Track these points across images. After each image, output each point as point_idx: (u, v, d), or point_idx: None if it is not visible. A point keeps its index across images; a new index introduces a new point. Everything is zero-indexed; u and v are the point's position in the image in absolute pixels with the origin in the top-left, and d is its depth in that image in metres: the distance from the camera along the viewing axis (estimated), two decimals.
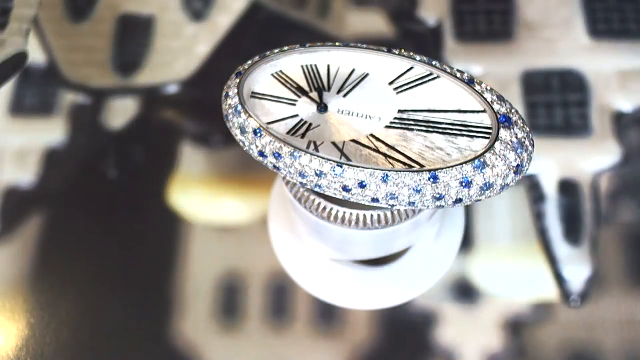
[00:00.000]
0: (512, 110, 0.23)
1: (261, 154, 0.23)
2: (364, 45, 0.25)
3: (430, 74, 0.24)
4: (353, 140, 0.23)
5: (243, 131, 0.23)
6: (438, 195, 0.22)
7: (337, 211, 0.24)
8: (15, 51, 0.38)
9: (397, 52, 0.25)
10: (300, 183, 0.23)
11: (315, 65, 0.25)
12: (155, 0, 0.39)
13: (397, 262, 0.29)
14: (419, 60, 0.24)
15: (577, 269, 0.30)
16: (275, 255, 0.31)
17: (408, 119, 0.23)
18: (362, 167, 0.22)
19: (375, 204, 0.22)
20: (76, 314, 0.30)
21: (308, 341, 0.30)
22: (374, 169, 0.22)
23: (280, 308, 0.30)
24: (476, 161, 0.22)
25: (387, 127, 0.23)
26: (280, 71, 0.25)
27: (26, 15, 0.39)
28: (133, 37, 0.38)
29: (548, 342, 0.29)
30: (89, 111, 0.36)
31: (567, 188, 0.32)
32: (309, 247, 0.29)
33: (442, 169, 0.22)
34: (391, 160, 0.22)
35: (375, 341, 0.29)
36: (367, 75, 0.25)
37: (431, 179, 0.22)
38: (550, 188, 0.32)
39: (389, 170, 0.22)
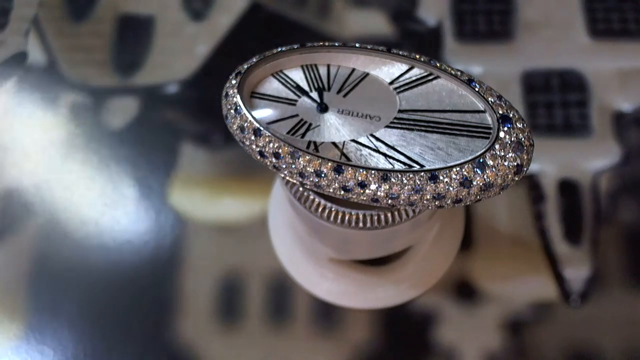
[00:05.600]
0: (512, 110, 0.23)
1: (261, 154, 0.23)
2: (364, 45, 0.25)
3: (430, 74, 0.24)
4: (353, 140, 0.23)
5: (243, 131, 0.23)
6: (438, 195, 0.22)
7: (337, 211, 0.24)
8: (15, 51, 0.38)
9: (397, 52, 0.25)
10: (300, 183, 0.23)
11: (315, 65, 0.25)
12: (155, 0, 0.39)
13: (397, 262, 0.29)
14: (419, 60, 0.24)
15: (577, 269, 0.30)
16: (275, 255, 0.31)
17: (408, 119, 0.23)
18: (362, 167, 0.22)
19: (375, 204, 0.22)
20: (76, 314, 0.30)
21: (308, 341, 0.30)
22: (374, 169, 0.22)
23: (280, 308, 0.30)
24: (476, 161, 0.22)
25: (387, 127, 0.23)
26: (280, 71, 0.25)
27: (26, 15, 0.39)
28: (133, 37, 0.38)
29: (548, 342, 0.29)
30: (89, 111, 0.36)
31: (567, 188, 0.32)
32: (309, 247, 0.29)
33: (442, 169, 0.22)
34: (391, 160, 0.22)
35: (375, 341, 0.29)
36: (367, 75, 0.25)
37: (431, 179, 0.22)
38: (550, 188, 0.32)
39: (389, 171, 0.22)
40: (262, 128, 0.23)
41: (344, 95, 0.24)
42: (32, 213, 0.33)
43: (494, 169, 0.22)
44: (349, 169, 0.22)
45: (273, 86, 0.25)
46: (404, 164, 0.22)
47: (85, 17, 0.39)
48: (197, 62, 0.37)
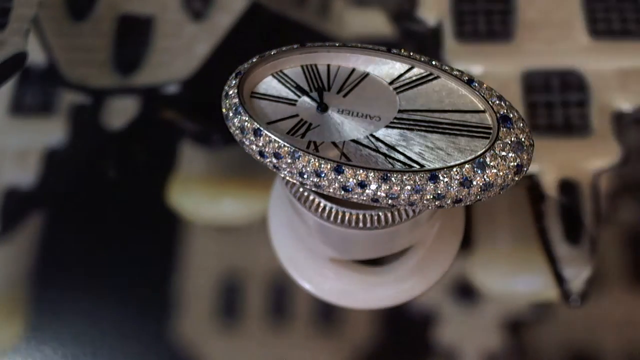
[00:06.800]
0: (512, 110, 0.23)
1: (261, 154, 0.23)
2: (364, 45, 0.25)
3: (430, 74, 0.24)
4: (353, 140, 0.23)
5: (243, 131, 0.23)
6: (438, 195, 0.22)
7: (337, 211, 0.24)
8: (15, 51, 0.38)
9: (397, 52, 0.25)
10: (300, 183, 0.23)
11: (315, 65, 0.25)
12: (155, 0, 0.39)
13: (397, 262, 0.29)
14: (419, 60, 0.24)
15: (577, 269, 0.30)
16: (275, 255, 0.31)
17: (408, 119, 0.23)
18: (362, 167, 0.22)
19: (375, 204, 0.22)
20: (76, 314, 0.30)
21: (308, 341, 0.30)
22: (374, 169, 0.22)
23: (280, 308, 0.30)
24: (476, 161, 0.22)
25: (387, 127, 0.23)
26: (280, 71, 0.25)
27: (26, 15, 0.39)
28: (133, 37, 0.38)
29: (548, 342, 0.29)
30: (89, 111, 0.36)
31: (567, 188, 0.32)
32: (309, 247, 0.29)
33: (442, 169, 0.22)
34: (391, 160, 0.22)
35: (375, 341, 0.29)
36: (367, 75, 0.25)
37: (431, 179, 0.22)
38: (550, 188, 0.32)
39: (389, 171, 0.22)
40: (262, 128, 0.23)
41: (344, 95, 0.24)
42: (32, 213, 0.33)
43: (494, 169, 0.22)
44: (349, 169, 0.22)
45: (273, 86, 0.25)
46: (404, 164, 0.22)
47: (85, 17, 0.39)
48: (197, 62, 0.37)
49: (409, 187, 0.22)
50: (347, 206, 0.24)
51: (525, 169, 0.22)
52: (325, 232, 0.26)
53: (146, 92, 0.36)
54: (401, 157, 0.22)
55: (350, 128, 0.23)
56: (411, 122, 0.23)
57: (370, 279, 0.29)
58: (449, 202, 0.22)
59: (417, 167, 0.22)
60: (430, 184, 0.22)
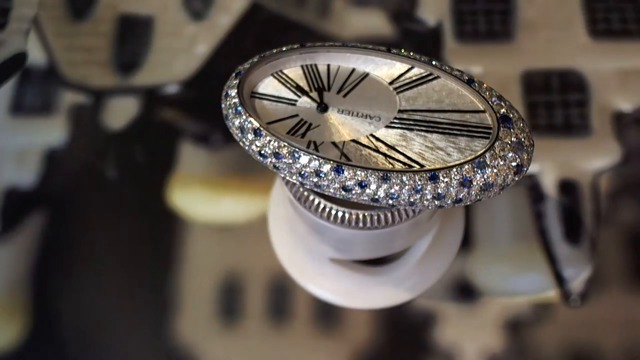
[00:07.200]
0: (512, 110, 0.23)
1: (261, 154, 0.23)
2: (364, 45, 0.25)
3: (430, 74, 0.24)
4: (353, 140, 0.23)
5: (243, 131, 0.23)
6: (438, 195, 0.22)
7: (337, 211, 0.24)
8: (15, 51, 0.38)
9: (397, 52, 0.25)
10: (300, 183, 0.23)
11: (315, 65, 0.25)
12: (155, 0, 0.39)
13: (397, 262, 0.29)
14: (419, 60, 0.24)
15: (577, 269, 0.30)
16: (275, 255, 0.31)
17: (408, 119, 0.23)
18: (362, 167, 0.22)
19: (375, 204, 0.22)
20: (76, 314, 0.30)
21: (308, 341, 0.30)
22: (374, 169, 0.22)
23: (280, 308, 0.30)
24: (476, 161, 0.22)
25: (387, 127, 0.23)
26: (280, 71, 0.25)
27: (26, 15, 0.39)
28: (133, 37, 0.38)
29: (548, 342, 0.29)
30: (89, 111, 0.36)
31: (567, 188, 0.32)
32: (309, 247, 0.29)
33: (442, 169, 0.22)
34: (391, 160, 0.22)
35: (375, 341, 0.29)
36: (367, 75, 0.25)
37: (431, 179, 0.22)
38: (550, 188, 0.32)
39: (389, 171, 0.22)
40: (262, 128, 0.23)
41: (344, 95, 0.24)
42: (32, 213, 0.33)
43: (494, 169, 0.22)
44: (349, 169, 0.22)
45: (273, 86, 0.25)
46: (404, 164, 0.22)
47: (85, 17, 0.39)
48: (197, 62, 0.37)
49: (409, 187, 0.22)
50: (347, 206, 0.24)
51: (525, 169, 0.22)
52: (325, 232, 0.26)
53: (146, 92, 0.36)
54: (401, 157, 0.22)
55: (350, 128, 0.23)
56: (411, 122, 0.23)
57: (370, 279, 0.29)
58: (449, 202, 0.22)
59: (417, 167, 0.22)
60: (430, 184, 0.22)
